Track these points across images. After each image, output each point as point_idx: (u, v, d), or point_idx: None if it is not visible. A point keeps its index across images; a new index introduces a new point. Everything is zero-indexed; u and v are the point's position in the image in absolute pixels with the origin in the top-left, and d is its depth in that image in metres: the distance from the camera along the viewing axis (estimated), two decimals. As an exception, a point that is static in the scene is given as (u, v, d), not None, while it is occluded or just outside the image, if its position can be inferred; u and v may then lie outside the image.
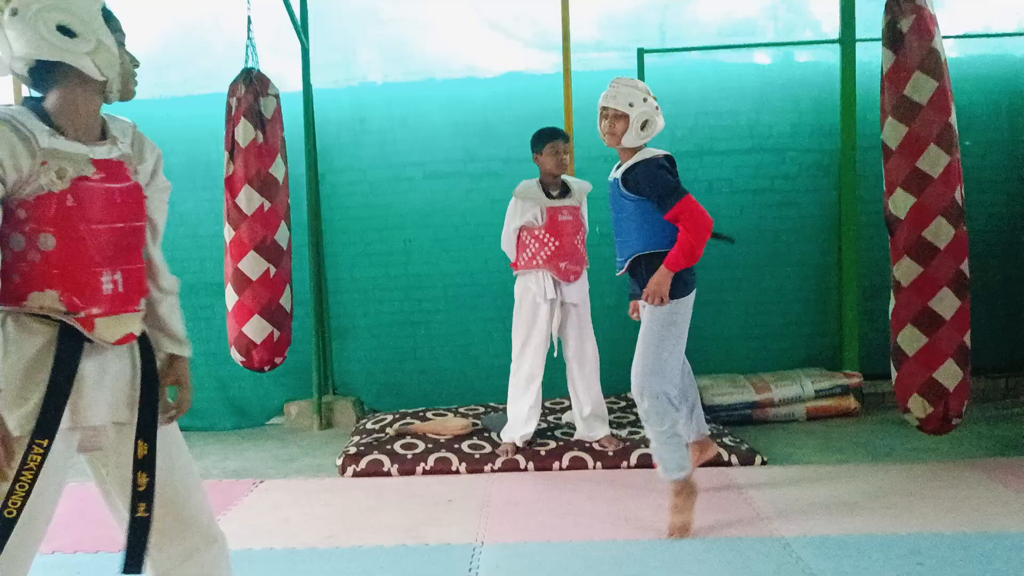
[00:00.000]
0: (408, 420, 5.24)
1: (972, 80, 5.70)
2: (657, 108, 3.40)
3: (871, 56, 5.45)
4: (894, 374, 4.02)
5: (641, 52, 5.60)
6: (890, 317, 4.02)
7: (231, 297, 4.95)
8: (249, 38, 5.02)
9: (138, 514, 2.05)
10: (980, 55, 5.91)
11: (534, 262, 4.51)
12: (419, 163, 5.87)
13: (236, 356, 4.98)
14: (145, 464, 2.06)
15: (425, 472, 4.51)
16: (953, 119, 3.85)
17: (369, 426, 5.23)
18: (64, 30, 1.92)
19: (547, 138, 4.49)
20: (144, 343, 2.14)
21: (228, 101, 4.95)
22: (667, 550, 3.36)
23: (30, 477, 1.89)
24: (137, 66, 2.09)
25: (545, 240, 4.48)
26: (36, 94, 2.02)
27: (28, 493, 1.89)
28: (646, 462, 4.40)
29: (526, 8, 6.03)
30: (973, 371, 5.69)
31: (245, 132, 4.87)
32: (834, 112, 5.64)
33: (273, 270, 4.95)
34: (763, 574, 3.10)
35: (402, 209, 5.87)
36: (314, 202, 5.83)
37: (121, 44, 2.04)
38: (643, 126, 3.36)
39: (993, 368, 5.74)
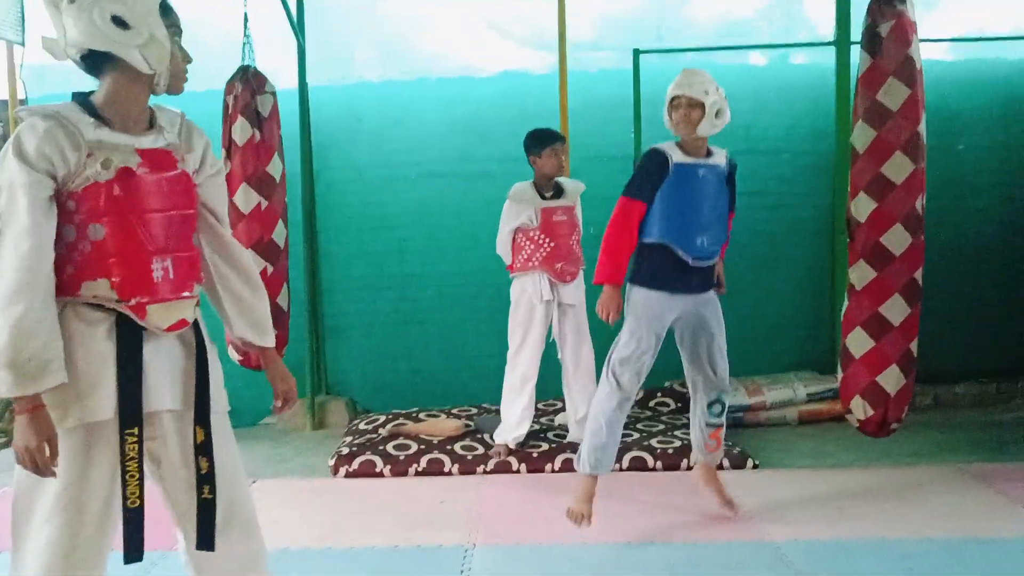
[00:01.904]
0: (401, 421, 5.24)
1: (966, 84, 5.71)
2: (725, 98, 3.43)
3: (867, 59, 5.46)
4: (839, 374, 4.07)
5: (637, 52, 5.59)
6: (841, 318, 4.06)
7: (228, 296, 4.93)
8: (246, 35, 5.00)
9: (203, 496, 2.10)
10: (975, 59, 5.92)
11: (530, 264, 4.51)
12: (414, 162, 5.85)
13: (233, 355, 4.95)
14: (203, 449, 2.10)
15: (417, 473, 4.51)
16: (922, 128, 3.84)
17: (362, 427, 5.22)
18: (118, 21, 1.94)
19: (547, 140, 4.49)
20: (196, 329, 2.16)
21: (225, 99, 4.93)
22: (659, 553, 3.37)
23: (135, 466, 1.98)
24: (189, 62, 2.11)
25: (540, 241, 4.48)
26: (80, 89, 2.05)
27: (141, 481, 1.99)
28: (638, 465, 4.40)
29: (523, 8, 6.04)
30: (966, 375, 5.78)
31: (242, 130, 4.85)
32: (829, 115, 5.63)
33: (271, 269, 4.94)
34: (754, 579, 3.11)
35: (397, 208, 5.85)
36: (309, 200, 5.81)
37: (175, 39, 2.06)
38: (716, 114, 3.38)
39: (985, 373, 5.75)
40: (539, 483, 4.32)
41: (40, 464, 1.87)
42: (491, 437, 4.78)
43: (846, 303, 4.01)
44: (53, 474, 1.89)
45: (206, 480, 2.10)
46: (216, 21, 5.46)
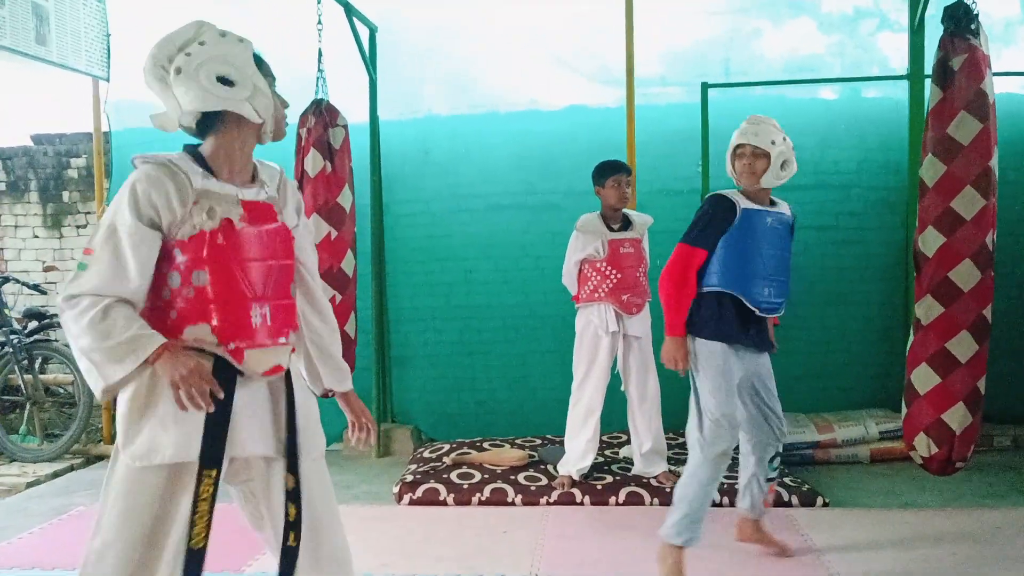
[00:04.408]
0: (465, 450, 5.25)
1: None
2: (792, 148, 3.31)
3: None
4: (904, 410, 3.96)
5: (705, 86, 5.59)
6: (907, 353, 3.95)
7: (297, 323, 5.03)
8: (320, 70, 5.15)
9: (288, 543, 2.14)
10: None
11: (596, 295, 4.51)
12: (481, 195, 5.92)
13: (300, 382, 5.06)
14: (292, 496, 2.16)
15: (481, 503, 4.51)
16: (994, 163, 3.76)
17: (426, 455, 5.25)
18: (224, 80, 2.05)
19: (609, 171, 4.51)
20: (288, 377, 2.22)
21: (298, 131, 5.06)
22: (725, 590, 3.31)
23: (207, 508, 2.03)
24: (287, 107, 2.20)
25: (607, 273, 4.48)
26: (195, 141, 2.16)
27: (209, 523, 2.03)
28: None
29: (590, 43, 6.08)
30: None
31: (314, 162, 4.98)
32: (902, 149, 5.55)
33: (339, 298, 5.03)
34: (824, 618, 3.04)
35: (463, 240, 5.92)
36: (378, 232, 5.91)
37: (272, 87, 2.16)
38: (782, 165, 3.28)
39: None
40: (603, 516, 4.28)
41: (197, 387, 1.94)
42: (555, 468, 4.77)
43: (911, 338, 3.92)
44: (210, 403, 1.97)
45: (292, 527, 2.14)
46: (292, 57, 5.61)
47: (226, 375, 2.06)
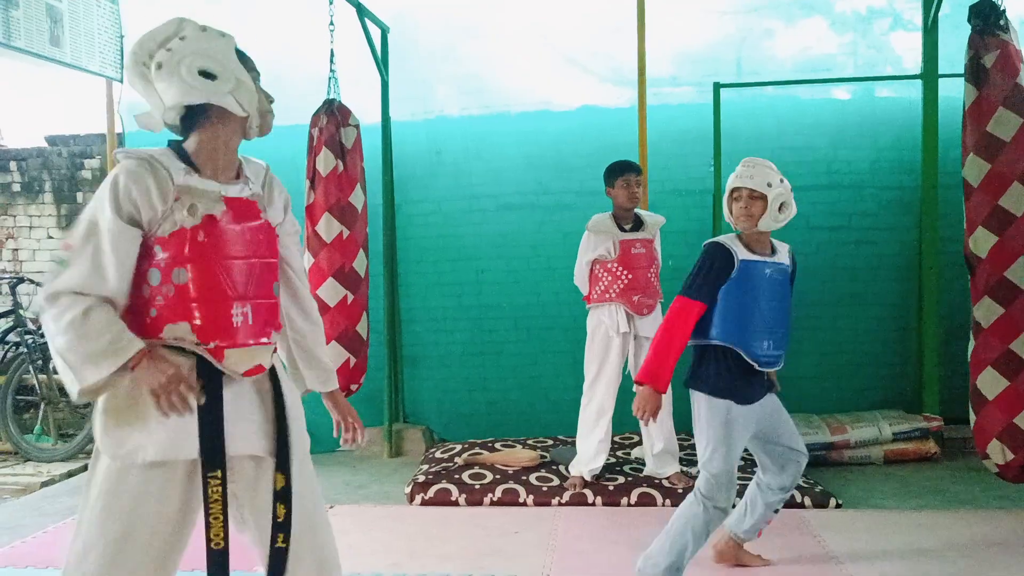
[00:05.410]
0: (477, 450, 5.26)
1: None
2: (791, 190, 3.21)
3: (955, 92, 5.34)
4: (973, 418, 3.88)
5: (717, 86, 5.59)
6: (969, 359, 3.89)
7: (308, 323, 5.04)
8: (332, 71, 5.17)
9: (277, 544, 2.12)
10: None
11: (607, 295, 4.50)
12: (493, 195, 5.93)
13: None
14: (282, 496, 2.13)
15: (492, 503, 4.51)
16: None
17: (438, 455, 5.26)
18: (205, 73, 2.02)
19: (619, 171, 4.50)
20: (273, 376, 2.21)
21: (310, 131, 5.08)
22: (737, 591, 3.30)
23: (219, 508, 2.03)
24: (272, 102, 2.18)
25: (618, 273, 4.48)
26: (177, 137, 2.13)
27: (226, 523, 2.03)
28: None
29: (602, 43, 6.08)
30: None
31: (326, 161, 4.99)
32: (915, 149, 5.53)
33: (351, 297, 5.04)
34: (837, 620, 3.02)
35: (475, 240, 5.93)
36: (390, 232, 5.92)
37: (256, 82, 2.14)
38: (780, 208, 3.17)
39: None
40: (614, 516, 4.28)
41: (177, 395, 1.92)
42: (567, 469, 4.76)
43: (972, 343, 3.84)
44: (191, 407, 1.95)
45: (281, 528, 2.12)
46: (303, 59, 5.63)
47: (211, 374, 2.04)
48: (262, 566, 2.21)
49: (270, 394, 2.19)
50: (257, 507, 2.15)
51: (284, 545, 2.12)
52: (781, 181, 3.16)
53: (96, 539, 2.00)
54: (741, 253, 3.15)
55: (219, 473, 2.02)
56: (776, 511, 3.44)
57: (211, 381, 2.04)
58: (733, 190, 3.21)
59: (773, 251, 3.25)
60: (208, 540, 2.02)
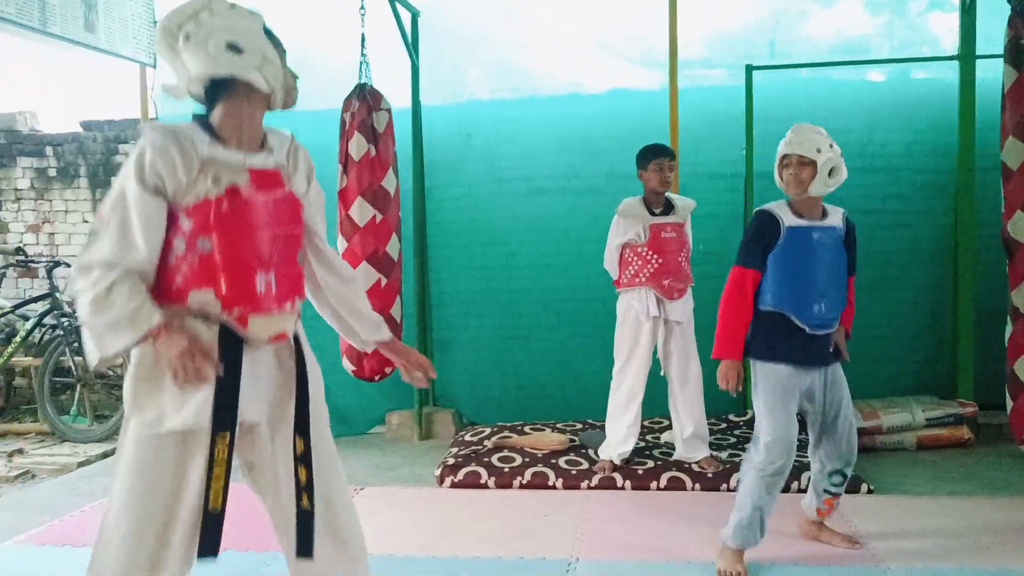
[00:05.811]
0: (506, 434, 5.28)
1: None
2: (841, 155, 3.23)
3: (993, 73, 5.24)
4: (1009, 404, 3.84)
5: (750, 68, 5.52)
6: (1007, 344, 3.84)
7: (342, 307, 5.07)
8: (363, 55, 5.18)
9: (303, 506, 2.17)
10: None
11: (637, 279, 4.49)
12: (523, 178, 5.91)
13: (348, 365, 5.08)
14: (303, 459, 2.18)
15: (522, 486, 4.53)
16: None
17: (468, 438, 5.28)
18: (232, 47, 2.05)
19: (652, 155, 4.48)
20: (296, 343, 2.25)
21: (342, 116, 5.09)
22: (768, 574, 3.29)
23: (223, 471, 2.05)
24: (296, 78, 2.20)
25: (648, 257, 4.46)
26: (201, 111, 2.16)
27: (226, 486, 2.06)
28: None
29: (633, 26, 6.03)
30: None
31: (358, 146, 5.01)
32: (951, 131, 5.44)
33: (384, 280, 5.06)
34: (868, 605, 3.01)
35: (505, 224, 5.92)
36: (420, 216, 5.94)
37: (282, 58, 2.17)
38: (830, 173, 3.18)
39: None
40: (644, 500, 4.28)
41: (192, 368, 1.94)
42: (596, 452, 4.77)
43: (1009, 327, 3.80)
44: (210, 377, 1.97)
45: (305, 490, 2.16)
46: (335, 43, 5.65)
47: (232, 342, 2.08)
48: (277, 535, 2.25)
49: (293, 361, 2.23)
50: (271, 473, 2.20)
51: (310, 507, 2.17)
52: (831, 147, 3.20)
53: (127, 508, 2.05)
54: (788, 219, 3.22)
55: (227, 435, 2.05)
56: (831, 493, 3.47)
57: (232, 350, 2.07)
58: (783, 157, 3.27)
59: (824, 215, 3.28)
60: (206, 501, 2.04)
